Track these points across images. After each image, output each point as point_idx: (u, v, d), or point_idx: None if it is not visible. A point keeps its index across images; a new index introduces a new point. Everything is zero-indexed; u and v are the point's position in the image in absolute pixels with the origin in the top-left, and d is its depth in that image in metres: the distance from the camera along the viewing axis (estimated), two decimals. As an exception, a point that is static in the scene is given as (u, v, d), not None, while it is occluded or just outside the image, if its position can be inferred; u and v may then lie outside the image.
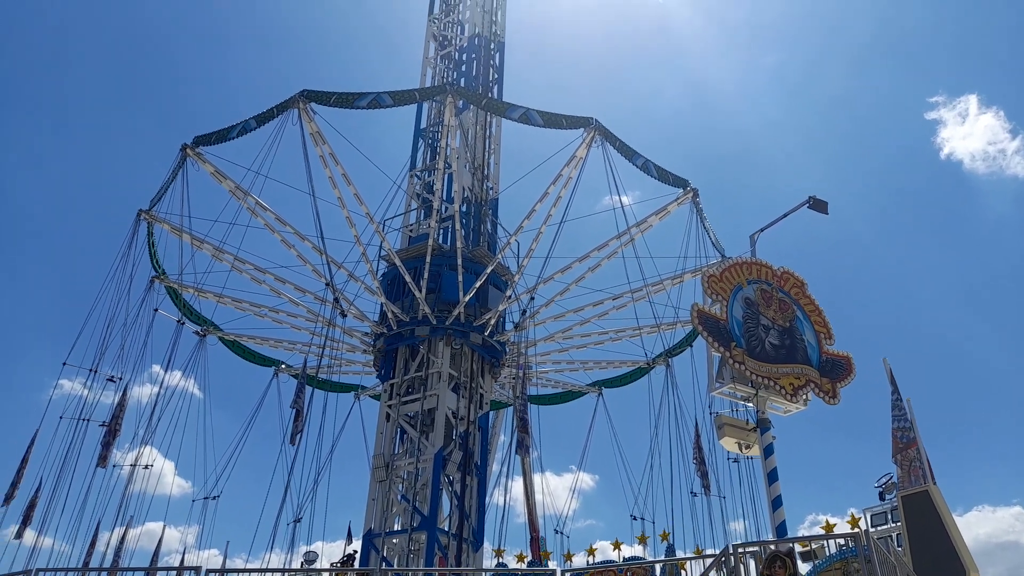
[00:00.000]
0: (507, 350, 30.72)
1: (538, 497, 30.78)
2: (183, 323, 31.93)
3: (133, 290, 28.22)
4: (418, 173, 32.69)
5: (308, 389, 25.52)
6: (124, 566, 25.41)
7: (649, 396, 31.68)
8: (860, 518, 14.88)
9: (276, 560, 23.96)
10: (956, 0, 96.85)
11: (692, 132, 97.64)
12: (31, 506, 24.27)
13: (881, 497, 32.89)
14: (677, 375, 32.07)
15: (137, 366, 27.92)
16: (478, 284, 28.38)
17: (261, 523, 28.38)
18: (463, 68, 34.92)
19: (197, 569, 15.51)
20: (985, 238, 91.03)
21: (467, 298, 28.34)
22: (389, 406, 28.57)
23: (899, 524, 19.85)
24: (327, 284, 27.78)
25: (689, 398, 31.13)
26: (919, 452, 18.03)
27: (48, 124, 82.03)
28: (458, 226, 28.07)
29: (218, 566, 20.17)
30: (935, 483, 16.98)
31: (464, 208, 31.06)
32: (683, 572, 15.78)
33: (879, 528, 31.91)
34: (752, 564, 14.34)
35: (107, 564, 24.87)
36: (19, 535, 24.20)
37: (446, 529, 27.01)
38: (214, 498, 29.65)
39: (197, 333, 32.83)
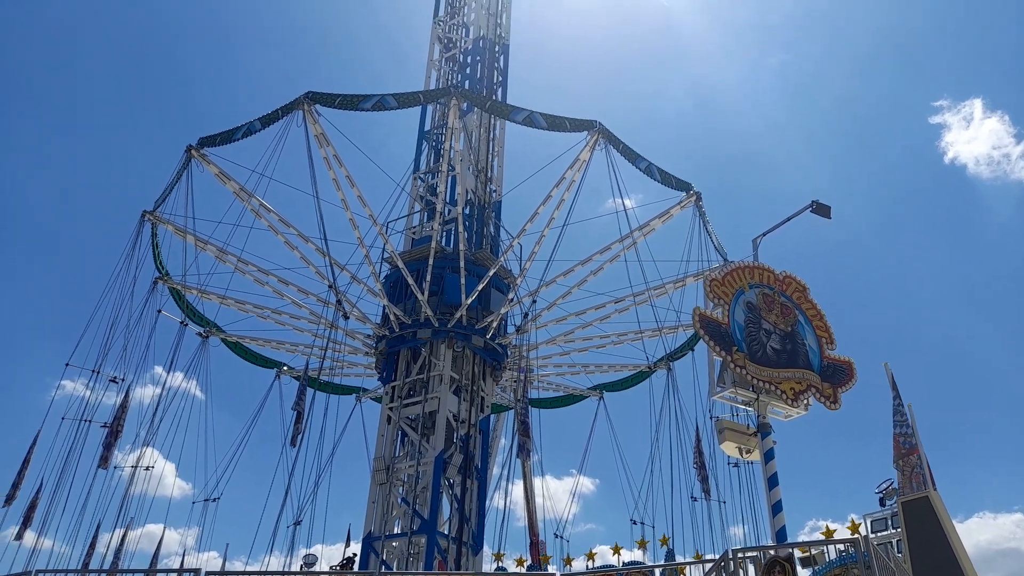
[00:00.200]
0: (509, 353, 30.70)
1: (538, 501, 30.69)
2: (186, 324, 32.03)
3: (136, 291, 28.32)
4: (421, 175, 32.72)
5: (310, 391, 25.54)
6: (124, 568, 25.41)
7: (650, 400, 31.69)
8: (860, 524, 14.83)
9: (276, 563, 23.90)
10: (961, 4, 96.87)
11: (695, 134, 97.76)
12: (32, 507, 24.28)
13: (882, 503, 32.82)
14: (678, 379, 32.07)
15: (139, 367, 28.01)
16: (480, 287, 28.38)
17: (261, 525, 28.44)
18: (467, 70, 34.97)
19: (196, 571, 15.54)
20: (989, 242, 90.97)
21: (469, 301, 28.33)
22: (390, 408, 28.57)
23: (899, 530, 19.78)
24: (330, 286, 27.81)
25: (690, 402, 31.20)
26: (920, 458, 17.97)
27: (52, 124, 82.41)
28: (461, 229, 28.06)
29: (218, 568, 20.20)
30: (936, 489, 16.91)
31: (467, 211, 31.06)
32: (682, 577, 15.76)
33: (879, 534, 31.84)
34: (752, 569, 14.31)
35: (107, 566, 24.87)
36: (19, 536, 24.22)
37: (446, 532, 26.98)
38: (214, 500, 29.72)
39: (200, 334, 32.89)
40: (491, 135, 33.36)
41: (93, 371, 26.36)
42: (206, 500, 29.81)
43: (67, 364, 26.24)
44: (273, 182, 26.76)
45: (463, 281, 28.02)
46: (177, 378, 31.07)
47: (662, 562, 18.69)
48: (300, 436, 23.32)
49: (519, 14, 41.86)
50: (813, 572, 15.75)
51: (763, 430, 17.78)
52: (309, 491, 25.70)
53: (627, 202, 27.28)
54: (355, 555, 26.58)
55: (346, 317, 28.84)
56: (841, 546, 14.53)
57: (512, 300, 29.45)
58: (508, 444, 33.20)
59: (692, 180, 29.48)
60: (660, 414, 30.55)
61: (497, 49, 35.14)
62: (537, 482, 31.20)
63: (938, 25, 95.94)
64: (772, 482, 17.13)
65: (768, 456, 17.48)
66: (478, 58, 34.80)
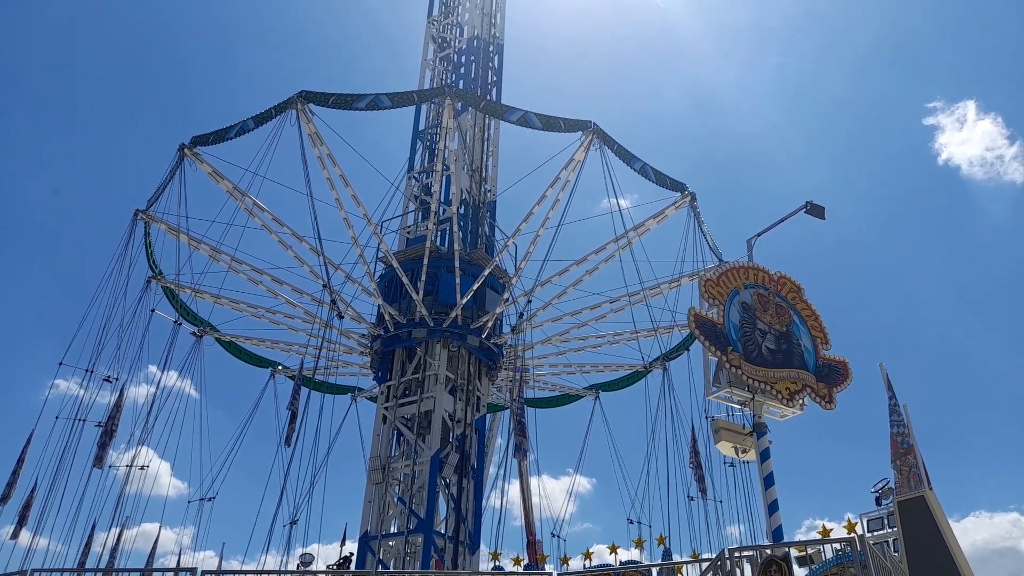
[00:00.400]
0: (504, 353, 30.71)
1: (535, 500, 30.76)
2: (180, 323, 31.91)
3: (130, 290, 28.26)
4: (416, 175, 32.69)
5: (305, 390, 25.51)
6: (119, 567, 25.36)
7: (646, 400, 31.74)
8: (856, 523, 14.89)
9: (272, 562, 23.95)
10: (955, 6, 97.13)
11: (692, 135, 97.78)
12: (27, 506, 24.23)
13: (878, 502, 32.83)
14: (674, 379, 32.20)
15: (133, 366, 27.97)
16: (475, 286, 28.37)
17: (257, 525, 28.40)
18: (462, 70, 34.94)
19: (193, 571, 15.53)
20: (983, 243, 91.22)
21: (464, 300, 28.32)
22: (386, 408, 28.56)
23: (895, 529, 19.84)
24: (324, 285, 27.76)
25: (686, 402, 31.09)
26: (916, 457, 18.02)
27: (49, 123, 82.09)
28: (456, 228, 28.05)
29: (214, 568, 20.10)
30: (931, 488, 16.96)
31: (462, 210, 31.05)
32: (679, 576, 15.79)
33: (875, 533, 31.82)
34: (748, 568, 14.35)
35: (103, 565, 24.84)
36: (15, 535, 24.15)
37: (442, 532, 26.99)
38: (210, 499, 29.67)
39: (194, 334, 32.80)
40: (486, 135, 33.36)
41: (87, 370, 26.33)
42: (202, 499, 29.80)
43: (61, 363, 26.20)
44: (267, 181, 26.75)
45: (458, 281, 28.01)
46: (171, 377, 30.99)
47: (659, 561, 18.71)
48: (295, 436, 23.33)
49: (513, 14, 41.81)
50: (809, 571, 15.81)
51: (759, 430, 17.83)
52: (305, 490, 25.71)
53: (622, 202, 27.37)
54: (352, 554, 26.58)
55: (340, 317, 28.80)
56: (837, 545, 14.61)
57: (507, 300, 29.46)
58: (504, 444, 33.26)
59: (689, 181, 29.58)
60: (656, 414, 30.64)
61: (491, 49, 35.13)
62: (533, 481, 31.29)
63: (932, 27, 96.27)
64: (768, 482, 17.18)
65: (764, 456, 17.54)
66: (472, 58, 34.78)
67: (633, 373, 34.61)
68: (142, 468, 28.00)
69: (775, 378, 18.30)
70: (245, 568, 24.69)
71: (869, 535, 30.06)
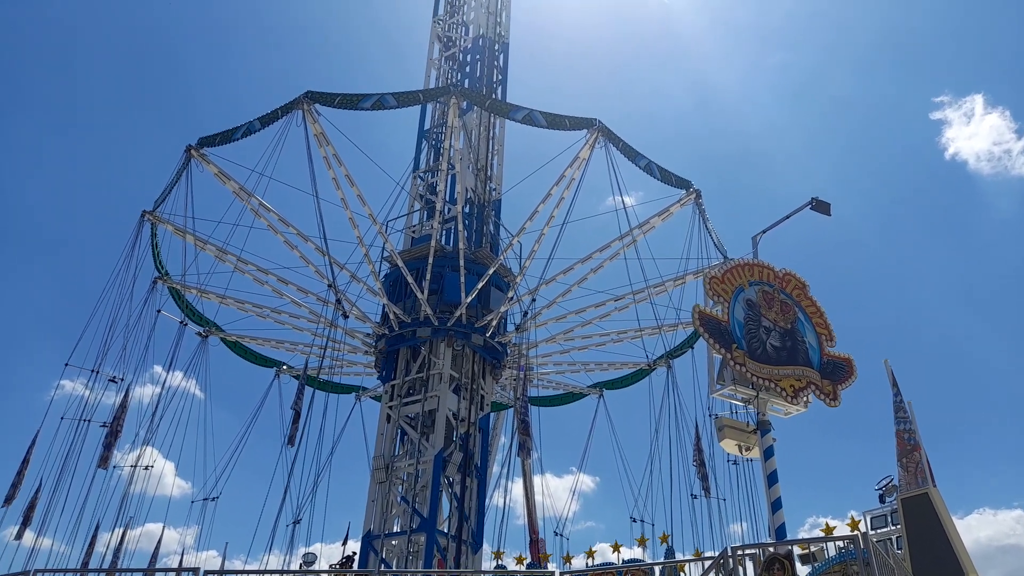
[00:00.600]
0: (508, 351, 30.69)
1: (538, 499, 30.70)
2: (185, 324, 31.99)
3: (136, 291, 28.25)
4: (421, 174, 32.72)
5: (309, 390, 25.54)
6: (123, 567, 25.39)
7: (650, 398, 31.66)
8: (860, 521, 14.84)
9: (275, 561, 23.93)
10: (962, 0, 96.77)
11: (695, 133, 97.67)
12: (31, 507, 24.24)
13: (881, 500, 32.74)
14: (678, 377, 32.02)
15: (139, 367, 27.94)
16: (480, 285, 28.36)
17: (260, 524, 28.38)
18: (467, 69, 34.96)
19: (195, 570, 15.47)
20: (990, 239, 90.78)
21: (469, 299, 28.32)
22: (390, 407, 28.56)
23: (899, 527, 19.76)
24: (329, 285, 27.80)
25: (690, 400, 31.10)
26: (921, 454, 17.97)
27: (52, 124, 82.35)
28: (460, 227, 28.05)
29: (217, 567, 20.12)
30: (935, 485, 16.90)
31: (467, 209, 31.05)
32: (682, 574, 15.73)
33: (879, 531, 31.73)
34: (751, 566, 14.30)
35: (106, 565, 24.86)
36: (19, 536, 24.20)
37: (445, 531, 26.98)
38: (213, 499, 29.69)
39: (199, 334, 32.84)
40: (491, 134, 33.35)
41: (92, 371, 26.33)
42: (205, 499, 29.81)
43: (66, 364, 26.21)
44: (273, 181, 26.77)
45: (463, 279, 28.01)
46: (176, 377, 31.07)
47: (662, 560, 18.67)
48: (299, 435, 23.35)
49: (519, 13, 41.87)
50: (812, 569, 15.71)
51: (763, 427, 17.77)
52: (308, 490, 25.72)
53: (627, 200, 27.28)
54: (354, 554, 26.55)
55: (345, 316, 28.83)
56: (841, 543, 14.52)
57: (512, 298, 29.43)
58: (508, 442, 33.24)
59: (691, 179, 29.51)
60: (660, 412, 30.58)
61: (496, 48, 35.11)
62: (537, 480, 31.20)
63: (939, 21, 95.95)
64: (772, 479, 17.12)
65: (768, 453, 17.47)
66: (477, 57, 34.78)
67: (637, 371, 34.55)
68: (146, 468, 28.09)
69: (779, 375, 18.25)
70: (248, 568, 24.69)
71: (872, 532, 29.98)
